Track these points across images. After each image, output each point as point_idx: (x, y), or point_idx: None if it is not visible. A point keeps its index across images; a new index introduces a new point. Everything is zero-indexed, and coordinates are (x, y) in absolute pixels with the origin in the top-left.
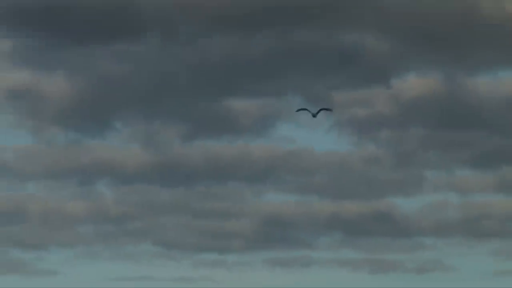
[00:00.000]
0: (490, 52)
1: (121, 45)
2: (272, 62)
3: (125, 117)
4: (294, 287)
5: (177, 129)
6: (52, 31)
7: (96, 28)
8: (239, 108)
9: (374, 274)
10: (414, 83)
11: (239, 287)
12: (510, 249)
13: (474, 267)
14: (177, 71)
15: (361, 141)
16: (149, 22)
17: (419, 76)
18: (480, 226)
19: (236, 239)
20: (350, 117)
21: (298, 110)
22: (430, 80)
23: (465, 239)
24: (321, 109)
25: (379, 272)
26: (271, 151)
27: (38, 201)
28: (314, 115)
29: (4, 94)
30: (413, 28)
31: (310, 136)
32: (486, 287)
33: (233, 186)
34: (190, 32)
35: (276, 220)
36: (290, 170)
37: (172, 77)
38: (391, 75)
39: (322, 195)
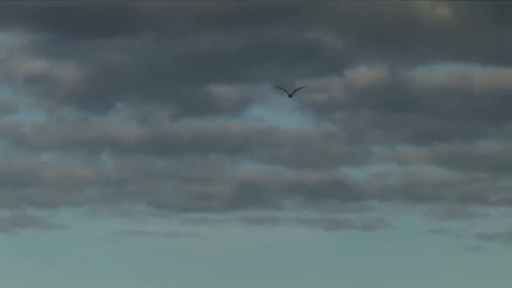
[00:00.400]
0: (426, 49)
1: (121, 39)
2: (247, 55)
3: (125, 99)
4: (264, 242)
5: (168, 110)
6: (64, 28)
7: (100, 25)
8: (219, 93)
9: (329, 230)
10: (364, 74)
11: (219, 242)
12: (441, 211)
13: (411, 225)
14: (167, 61)
15: (319, 121)
16: (144, 20)
17: (368, 68)
18: (417, 192)
19: (216, 201)
20: (311, 101)
21: (277, 88)
22: (377, 71)
23: (404, 202)
24: (296, 90)
25: (333, 229)
26: (246, 128)
27: (51, 168)
28: (290, 95)
29: (24, 79)
30: (364, 28)
31: (277, 117)
32: (421, 242)
33: (214, 157)
34: (179, 29)
35: (250, 186)
36: (261, 144)
37: (164, 67)
38: (345, 66)
39: (287, 165)
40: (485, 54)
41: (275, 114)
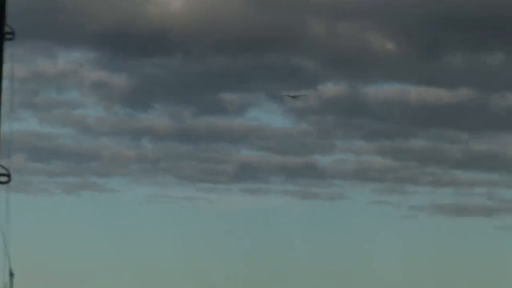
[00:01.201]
0: (376, 72)
1: (158, 59)
2: (248, 72)
3: (160, 101)
4: (257, 207)
5: (190, 110)
6: (118, 49)
7: (144, 48)
8: (227, 99)
9: (303, 200)
10: (331, 89)
11: (224, 205)
12: (383, 189)
13: (362, 198)
14: (191, 75)
15: (298, 122)
16: (174, 45)
17: (334, 85)
18: (366, 174)
19: (223, 176)
20: (293, 107)
21: (284, 95)
22: (340, 87)
23: (357, 182)
24: (295, 96)
25: (306, 199)
26: (245, 125)
27: (107, 148)
28: (293, 97)
29: (89, 85)
30: (332, 56)
31: (268, 118)
32: (369, 210)
33: (222, 145)
34: (199, 52)
35: (247, 166)
36: (256, 137)
37: (188, 79)
38: (318, 83)
39: (274, 152)
40: (418, 77)
41: (267, 116)
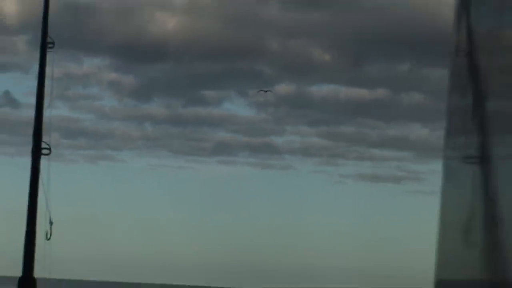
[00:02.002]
0: (317, 76)
1: (157, 64)
2: (224, 75)
3: (158, 95)
4: (228, 175)
5: (180, 102)
6: (127, 56)
7: (145, 56)
8: (208, 95)
9: (262, 169)
10: (284, 88)
11: (204, 173)
12: (321, 162)
13: (305, 168)
14: (181, 77)
15: (260, 112)
16: (168, 55)
17: (286, 85)
18: (308, 151)
19: (204, 151)
20: (256, 102)
21: (259, 91)
22: (291, 87)
23: (302, 157)
24: (267, 90)
25: (264, 169)
26: (222, 114)
27: (119, 130)
28: (265, 91)
29: (106, 83)
30: (284, 64)
31: (238, 109)
32: (310, 177)
33: (204, 128)
34: (187, 60)
35: (222, 144)
36: (229, 123)
37: (179, 80)
38: (274, 84)
39: (243, 135)
40: (347, 80)
41: (237, 107)
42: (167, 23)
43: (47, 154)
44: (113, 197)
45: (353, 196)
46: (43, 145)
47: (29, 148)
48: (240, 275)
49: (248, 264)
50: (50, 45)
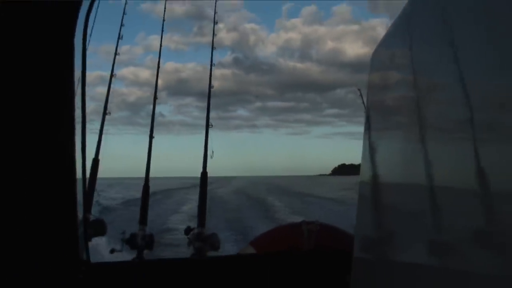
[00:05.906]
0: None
1: None
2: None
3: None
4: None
5: None
6: None
7: None
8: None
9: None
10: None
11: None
12: (279, 141)
13: (277, 140)
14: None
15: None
16: None
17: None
18: (282, 135)
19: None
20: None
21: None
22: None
23: (274, 133)
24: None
25: (256, 133)
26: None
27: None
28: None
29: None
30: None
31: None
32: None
33: None
34: None
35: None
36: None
37: None
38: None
39: None
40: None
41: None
42: None
43: None
44: None
45: (317, 149)
46: None
47: None
48: None
49: None
50: None
